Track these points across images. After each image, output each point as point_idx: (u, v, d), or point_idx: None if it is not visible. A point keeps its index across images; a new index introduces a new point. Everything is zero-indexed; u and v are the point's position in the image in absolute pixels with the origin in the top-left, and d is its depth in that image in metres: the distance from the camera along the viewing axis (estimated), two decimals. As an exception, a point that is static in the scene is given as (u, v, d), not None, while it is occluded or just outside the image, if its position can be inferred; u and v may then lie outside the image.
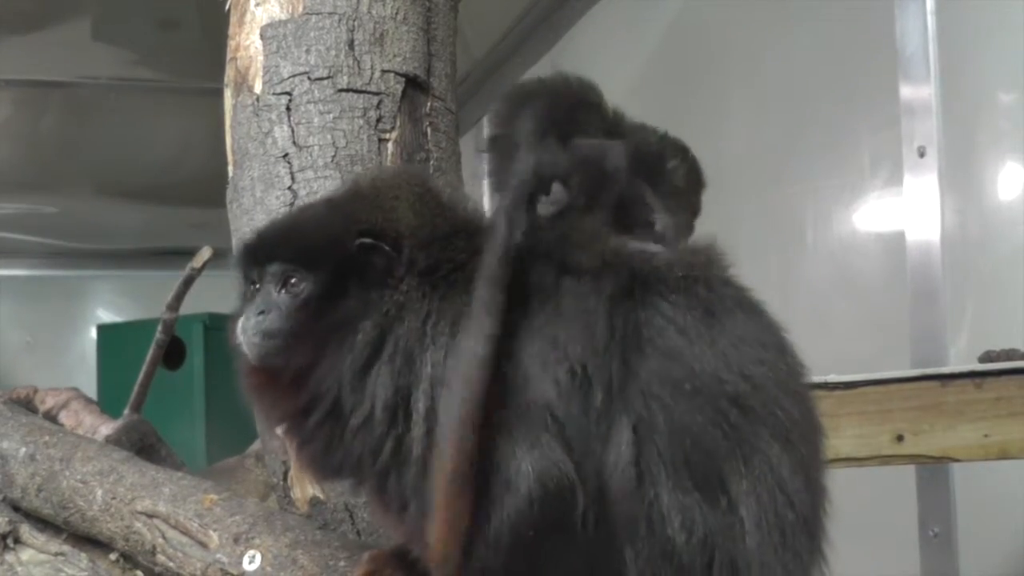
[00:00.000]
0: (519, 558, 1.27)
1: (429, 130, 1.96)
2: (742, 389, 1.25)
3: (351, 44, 1.88)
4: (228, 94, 2.01)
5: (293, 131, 1.87)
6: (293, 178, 1.85)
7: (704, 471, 1.24)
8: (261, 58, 1.92)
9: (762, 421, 1.25)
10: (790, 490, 1.25)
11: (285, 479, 1.91)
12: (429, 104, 1.97)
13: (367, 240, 1.34)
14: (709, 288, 1.29)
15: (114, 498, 1.88)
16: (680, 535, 1.23)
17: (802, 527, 1.26)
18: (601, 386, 1.24)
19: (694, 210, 1.61)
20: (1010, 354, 2.31)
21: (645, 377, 1.24)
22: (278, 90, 1.89)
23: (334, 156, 1.84)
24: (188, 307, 3.66)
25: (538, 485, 1.23)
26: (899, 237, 3.06)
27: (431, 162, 1.93)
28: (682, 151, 1.60)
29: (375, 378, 1.30)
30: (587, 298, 1.27)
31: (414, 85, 1.94)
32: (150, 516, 1.82)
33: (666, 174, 1.56)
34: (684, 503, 1.23)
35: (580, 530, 1.26)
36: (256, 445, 2.95)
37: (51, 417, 3.11)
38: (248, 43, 1.96)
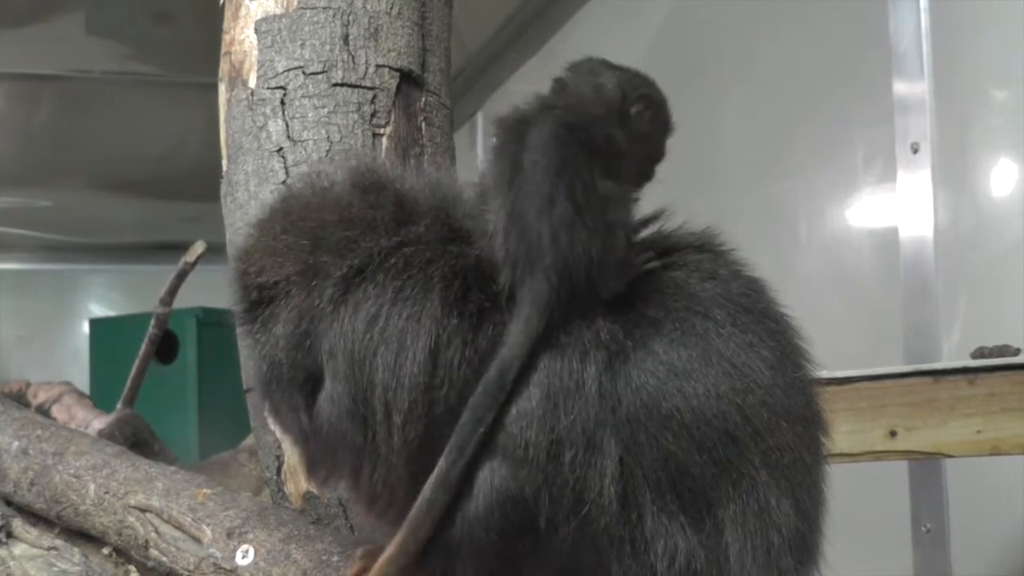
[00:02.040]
0: (484, 563, 1.29)
1: (424, 125, 1.95)
2: (732, 421, 1.24)
3: (345, 39, 1.88)
4: (222, 88, 2.01)
5: (287, 126, 1.87)
6: (287, 172, 1.85)
7: (691, 497, 1.24)
8: (255, 52, 1.92)
9: (752, 449, 1.25)
10: (777, 514, 1.25)
11: (279, 474, 1.91)
12: (424, 99, 1.96)
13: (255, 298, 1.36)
14: (707, 317, 1.28)
15: (107, 493, 1.88)
16: (662, 561, 1.24)
17: (788, 548, 1.26)
18: (582, 428, 1.24)
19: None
20: (1003, 350, 2.31)
21: (634, 414, 1.24)
22: (272, 84, 1.89)
23: (328, 151, 1.84)
24: (181, 301, 3.67)
25: (496, 495, 1.24)
26: (892, 233, 3.07)
27: (425, 157, 1.93)
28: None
29: (330, 397, 1.31)
30: (573, 361, 1.26)
31: (408, 80, 1.93)
32: (143, 510, 1.81)
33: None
34: (668, 528, 1.24)
35: (545, 548, 1.27)
36: (249, 439, 2.95)
37: (44, 411, 3.13)
38: (242, 37, 1.96)
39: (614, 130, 1.38)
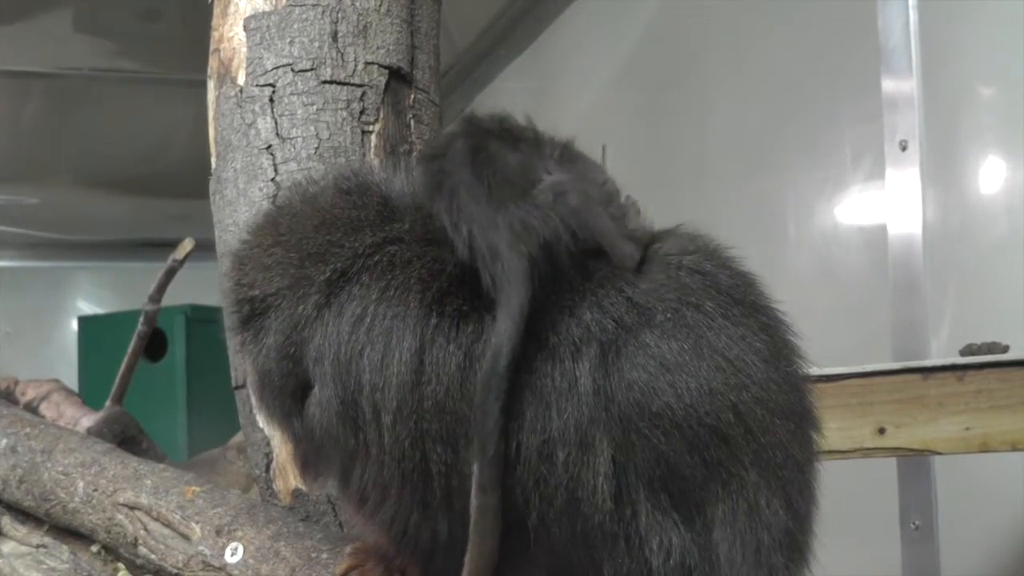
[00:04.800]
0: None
1: (412, 122, 1.95)
2: (724, 419, 1.23)
3: (335, 36, 1.88)
4: (211, 85, 2.01)
5: (276, 123, 1.87)
6: (276, 170, 1.85)
7: (681, 496, 1.24)
8: (244, 50, 1.92)
9: (743, 449, 1.24)
10: (766, 514, 1.25)
11: (267, 471, 1.91)
12: (412, 96, 1.96)
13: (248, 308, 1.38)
14: (698, 309, 1.27)
15: (96, 490, 1.88)
16: (657, 557, 1.24)
17: (778, 547, 1.26)
18: (575, 428, 1.24)
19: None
20: (991, 347, 2.32)
21: (626, 412, 1.23)
22: (261, 82, 1.89)
23: (317, 148, 1.84)
24: (170, 299, 3.66)
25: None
26: (881, 230, 3.07)
27: (414, 154, 1.93)
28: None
29: (320, 402, 1.31)
30: (565, 361, 1.26)
31: (397, 77, 1.93)
32: (132, 508, 1.81)
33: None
34: (663, 524, 1.24)
35: (537, 545, 1.27)
36: (238, 437, 2.94)
37: (32, 409, 3.11)
38: (231, 35, 1.95)
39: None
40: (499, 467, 1.23)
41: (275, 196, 1.83)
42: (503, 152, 1.33)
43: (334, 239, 1.33)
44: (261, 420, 1.88)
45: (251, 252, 1.40)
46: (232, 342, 1.44)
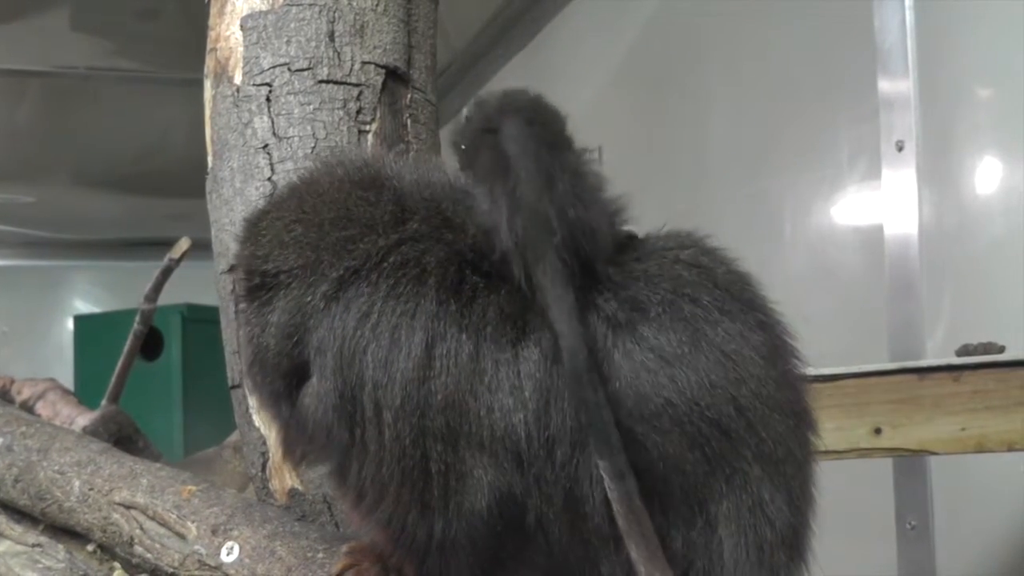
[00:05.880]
0: (476, 561, 1.29)
1: (409, 122, 1.95)
2: (725, 412, 1.23)
3: (331, 35, 1.88)
4: (208, 85, 2.01)
5: (273, 122, 1.87)
6: (273, 169, 1.85)
7: (682, 494, 1.23)
8: (241, 49, 1.92)
9: (745, 443, 1.24)
10: (771, 509, 1.25)
11: (263, 470, 1.91)
12: (409, 96, 1.96)
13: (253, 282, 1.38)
14: (695, 302, 1.27)
15: (92, 489, 1.88)
16: None
17: (781, 543, 1.26)
18: (574, 425, 1.23)
19: None
20: (987, 347, 2.32)
21: (626, 410, 1.23)
22: (258, 81, 1.89)
23: (314, 147, 1.84)
24: (166, 298, 3.66)
25: (488, 492, 1.24)
26: (877, 230, 3.08)
27: (411, 154, 1.93)
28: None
29: (317, 394, 1.31)
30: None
31: (394, 77, 1.93)
32: (128, 507, 1.81)
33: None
34: (660, 524, 1.23)
35: (535, 544, 1.27)
36: (234, 436, 2.94)
37: (28, 408, 3.11)
38: (228, 34, 1.95)
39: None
40: (623, 452, 1.20)
41: (271, 195, 1.82)
42: (566, 151, 1.32)
43: (348, 235, 1.33)
44: (257, 419, 1.89)
45: (272, 224, 1.39)
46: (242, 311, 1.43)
